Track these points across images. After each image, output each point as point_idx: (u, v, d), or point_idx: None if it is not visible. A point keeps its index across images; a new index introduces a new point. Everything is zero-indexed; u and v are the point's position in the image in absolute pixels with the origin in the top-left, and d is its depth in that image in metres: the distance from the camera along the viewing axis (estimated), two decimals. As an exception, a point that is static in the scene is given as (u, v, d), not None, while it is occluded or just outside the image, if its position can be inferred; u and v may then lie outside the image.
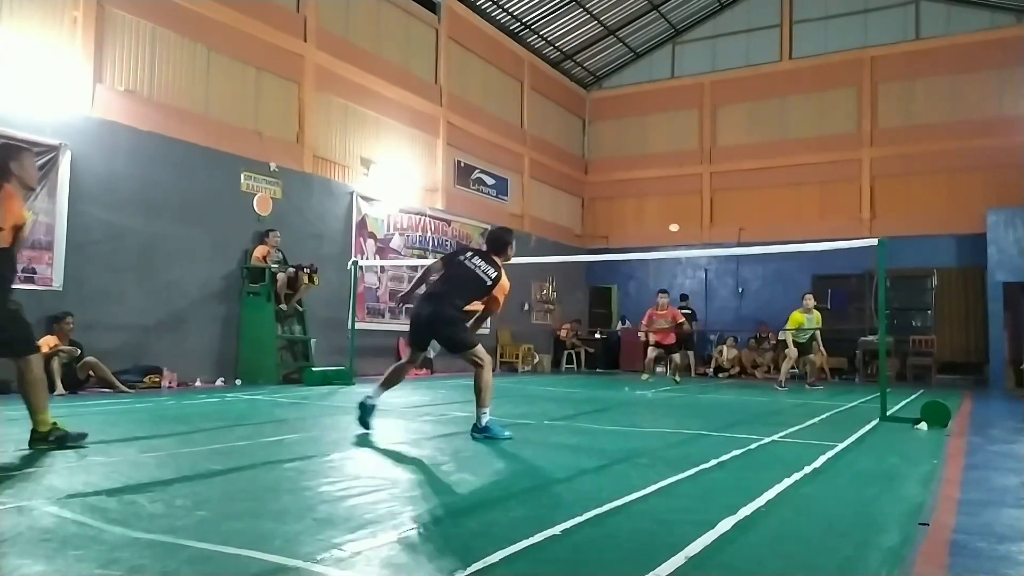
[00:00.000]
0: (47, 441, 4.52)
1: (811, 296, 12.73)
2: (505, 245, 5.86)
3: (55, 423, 4.57)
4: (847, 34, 18.31)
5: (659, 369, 14.64)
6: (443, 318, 5.41)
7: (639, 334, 14.45)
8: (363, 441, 5.40)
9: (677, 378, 13.27)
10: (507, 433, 5.46)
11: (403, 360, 5.79)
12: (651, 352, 13.55)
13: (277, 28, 12.08)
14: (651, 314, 13.49)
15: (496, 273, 5.66)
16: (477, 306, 5.69)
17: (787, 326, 12.53)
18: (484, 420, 5.41)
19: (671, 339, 13.37)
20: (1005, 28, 16.72)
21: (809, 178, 18.35)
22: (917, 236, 16.34)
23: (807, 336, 12.58)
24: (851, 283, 16.96)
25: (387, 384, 5.72)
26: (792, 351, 12.57)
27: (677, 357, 13.57)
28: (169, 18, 10.50)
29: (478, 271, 5.62)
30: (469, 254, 5.75)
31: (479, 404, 5.42)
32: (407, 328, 5.80)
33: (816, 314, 12.59)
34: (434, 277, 5.70)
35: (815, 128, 18.47)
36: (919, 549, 2.82)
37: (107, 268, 9.52)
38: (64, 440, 4.56)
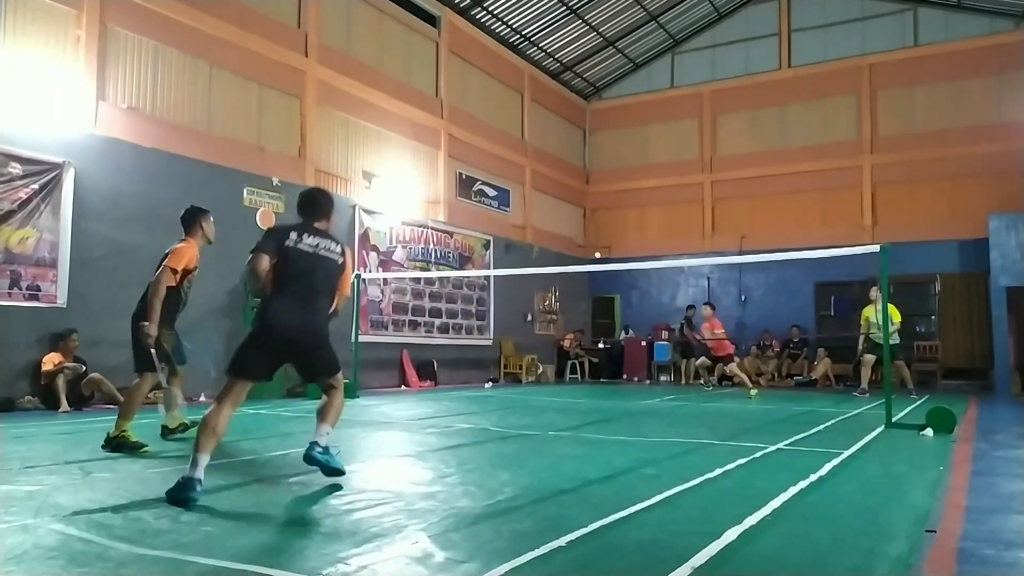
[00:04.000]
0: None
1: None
2: (329, 208, 4.53)
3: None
4: (846, 42, 18.35)
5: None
6: (320, 335, 4.21)
7: (698, 341, 15.25)
8: (368, 454, 5.40)
9: (709, 387, 14.39)
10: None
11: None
12: (706, 361, 14.08)
13: (278, 44, 12.15)
14: (711, 326, 13.50)
15: (340, 247, 4.38)
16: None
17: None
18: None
19: (724, 350, 13.40)
20: (1004, 34, 16.75)
21: (810, 186, 18.36)
22: (919, 242, 16.31)
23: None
24: (854, 290, 16.90)
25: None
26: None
27: (735, 366, 13.35)
28: (171, 35, 10.57)
29: (327, 254, 4.26)
30: (295, 235, 4.15)
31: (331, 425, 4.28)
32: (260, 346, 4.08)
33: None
34: (265, 269, 4.01)
35: (815, 136, 18.48)
36: (926, 557, 2.81)
37: (111, 284, 9.54)
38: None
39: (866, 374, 12.56)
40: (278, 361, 4.18)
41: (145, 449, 5.27)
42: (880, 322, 12.02)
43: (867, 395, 11.99)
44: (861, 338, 12.68)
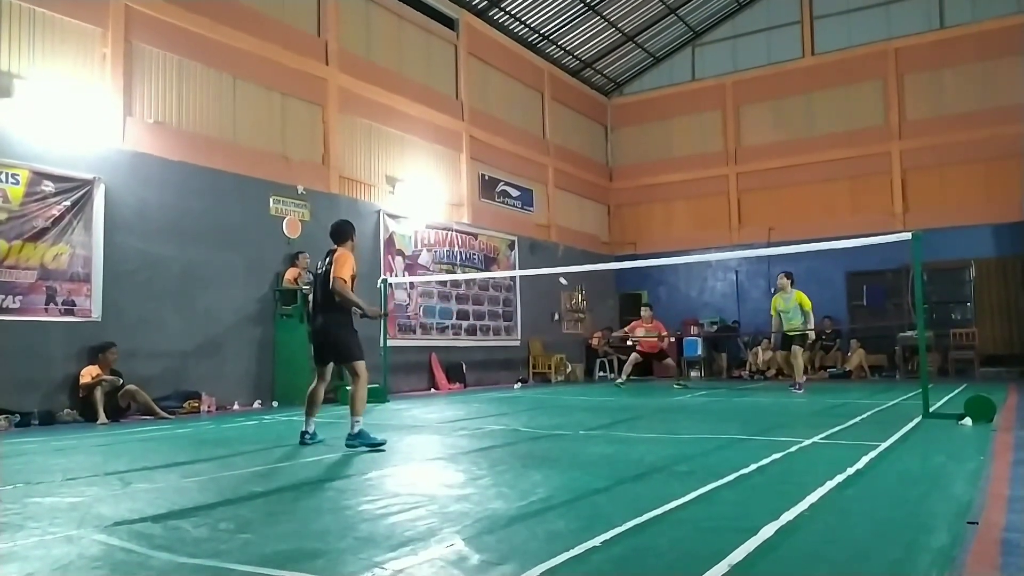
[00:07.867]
0: None
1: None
2: (345, 233, 6.26)
3: None
4: (869, 27, 18.07)
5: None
6: (331, 328, 6.12)
7: (628, 342, 15.08)
8: (401, 458, 5.43)
9: (679, 382, 14.24)
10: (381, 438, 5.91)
11: (314, 383, 6.28)
12: (634, 357, 14.21)
13: (300, 53, 12.27)
14: (635, 326, 14.49)
15: (328, 259, 6.09)
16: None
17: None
18: (357, 428, 5.83)
19: (655, 348, 14.39)
20: (1032, 12, 16.41)
21: (838, 174, 18.11)
22: (952, 228, 16.01)
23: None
24: (887, 278, 16.68)
25: (309, 411, 6.26)
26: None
27: (670, 361, 14.93)
28: (195, 50, 10.72)
29: (324, 269, 6.11)
30: (324, 259, 6.20)
31: (353, 413, 5.84)
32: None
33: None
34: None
35: (842, 123, 18.23)
36: (969, 549, 2.76)
37: (144, 297, 9.71)
38: None
39: (799, 366, 11.79)
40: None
41: None
42: (789, 311, 11.80)
43: (802, 389, 11.40)
44: (774, 331, 12.03)
